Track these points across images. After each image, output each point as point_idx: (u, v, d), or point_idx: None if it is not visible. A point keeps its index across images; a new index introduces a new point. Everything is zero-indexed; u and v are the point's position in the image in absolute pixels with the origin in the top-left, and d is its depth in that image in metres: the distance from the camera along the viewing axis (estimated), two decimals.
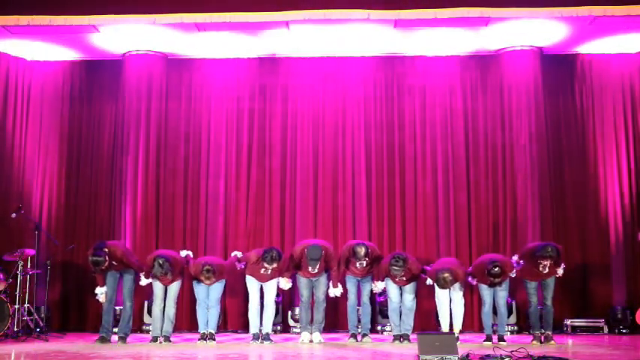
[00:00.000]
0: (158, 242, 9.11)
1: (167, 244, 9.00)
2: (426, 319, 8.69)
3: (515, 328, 8.66)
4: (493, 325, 7.79)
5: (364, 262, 7.76)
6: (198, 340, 7.74)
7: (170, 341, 7.69)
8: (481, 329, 8.14)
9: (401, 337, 7.71)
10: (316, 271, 7.70)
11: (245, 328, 8.39)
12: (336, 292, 7.84)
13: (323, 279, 7.86)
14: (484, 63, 9.54)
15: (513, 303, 8.64)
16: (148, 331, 8.46)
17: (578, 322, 8.77)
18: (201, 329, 7.81)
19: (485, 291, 7.71)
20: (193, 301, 8.15)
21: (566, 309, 8.89)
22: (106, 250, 7.51)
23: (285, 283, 7.84)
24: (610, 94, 9.37)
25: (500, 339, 7.58)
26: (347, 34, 8.76)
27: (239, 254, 8.00)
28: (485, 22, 8.30)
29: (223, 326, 8.97)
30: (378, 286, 7.81)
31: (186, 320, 8.98)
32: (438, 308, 7.82)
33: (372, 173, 9.36)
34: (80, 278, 9.12)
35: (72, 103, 9.70)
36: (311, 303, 7.95)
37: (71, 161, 9.58)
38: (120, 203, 9.19)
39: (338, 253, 7.94)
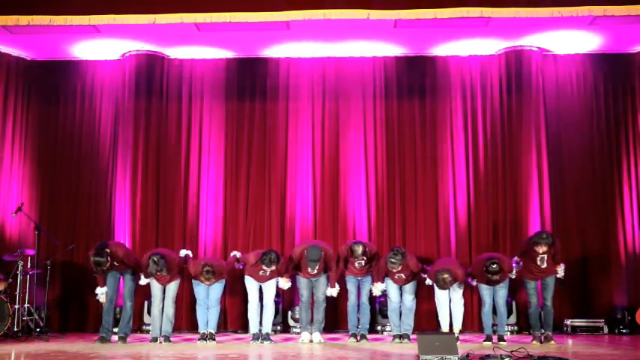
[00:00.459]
0: (158, 242, 9.10)
1: (167, 244, 9.00)
2: (426, 319, 8.69)
3: (515, 328, 8.66)
4: (493, 325, 7.80)
5: (362, 262, 7.76)
6: (198, 340, 7.75)
7: (170, 341, 7.69)
8: (481, 329, 8.14)
9: (401, 337, 7.71)
10: (315, 272, 7.70)
11: (245, 328, 8.39)
12: (332, 292, 7.85)
13: (323, 279, 7.87)
14: (484, 63, 9.53)
15: (513, 303, 8.65)
16: (148, 331, 8.46)
17: (578, 322, 8.77)
18: (201, 329, 7.82)
19: (485, 291, 7.72)
20: (193, 301, 8.16)
21: (566, 309, 8.90)
22: (108, 250, 7.52)
23: (285, 283, 7.86)
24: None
25: (500, 339, 7.58)
26: (349, 34, 8.78)
27: (238, 254, 8.01)
28: (485, 22, 8.31)
29: (223, 326, 8.97)
30: (378, 287, 7.80)
31: (186, 320, 8.98)
32: (437, 308, 7.82)
33: (372, 173, 9.36)
34: (80, 278, 9.12)
35: (71, 102, 9.70)
36: (311, 303, 7.95)
37: (71, 161, 9.57)
38: (119, 203, 9.19)
39: (337, 254, 7.95)
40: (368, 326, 7.97)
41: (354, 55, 9.56)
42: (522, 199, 8.90)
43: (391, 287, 7.82)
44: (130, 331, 7.90)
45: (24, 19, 7.84)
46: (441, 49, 9.42)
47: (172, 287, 7.78)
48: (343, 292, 8.04)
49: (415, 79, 9.55)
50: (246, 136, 9.54)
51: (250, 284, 7.83)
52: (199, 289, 7.84)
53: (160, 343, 7.64)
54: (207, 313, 7.83)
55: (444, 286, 7.48)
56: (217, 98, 9.63)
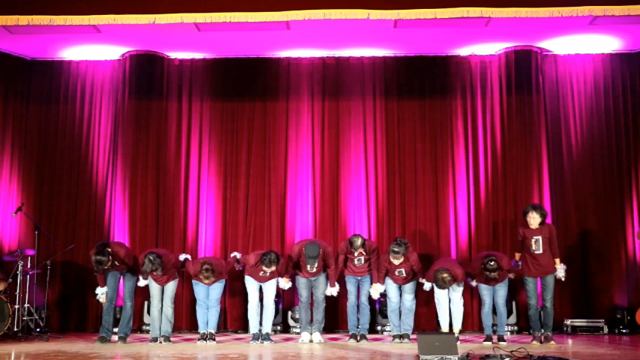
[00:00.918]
0: (158, 242, 9.10)
1: (167, 244, 9.01)
2: (425, 319, 8.69)
3: (516, 328, 8.67)
4: (493, 325, 7.80)
5: (362, 258, 7.75)
6: (198, 340, 7.75)
7: (170, 341, 7.69)
8: (481, 329, 8.15)
9: (401, 337, 7.71)
10: (314, 270, 7.70)
11: (245, 328, 8.40)
12: (332, 291, 7.86)
13: (322, 279, 7.87)
14: (484, 63, 9.53)
15: (513, 303, 8.65)
16: (148, 331, 8.46)
17: (578, 322, 8.77)
18: (201, 329, 7.82)
19: (485, 291, 7.72)
20: (193, 301, 8.16)
21: (566, 309, 8.90)
22: (109, 250, 7.52)
23: (285, 283, 7.86)
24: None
25: (500, 339, 7.58)
26: (349, 33, 8.79)
27: (238, 255, 8.01)
28: (485, 22, 8.31)
29: (223, 326, 8.98)
30: (377, 289, 7.78)
31: (186, 320, 8.99)
32: (437, 308, 7.82)
33: (372, 173, 9.36)
34: (80, 278, 9.13)
35: (71, 102, 9.70)
36: (310, 303, 7.95)
37: (71, 161, 9.57)
38: (119, 203, 9.19)
39: (336, 252, 7.95)
40: (368, 326, 7.97)
41: (354, 54, 9.57)
42: (522, 200, 8.89)
43: (391, 287, 7.82)
44: (130, 331, 7.90)
45: (24, 19, 7.84)
46: (441, 49, 9.42)
47: (170, 287, 7.78)
48: (343, 292, 8.04)
49: (415, 79, 9.56)
50: (246, 136, 9.54)
51: (250, 284, 7.83)
52: (199, 289, 7.84)
53: (160, 343, 7.64)
54: (207, 313, 7.82)
55: (443, 285, 7.48)
56: (217, 98, 9.63)
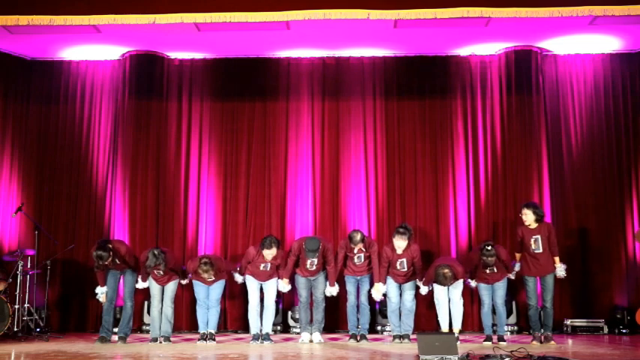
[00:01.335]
0: (158, 242, 9.09)
1: (167, 244, 9.00)
2: (425, 319, 8.69)
3: (516, 328, 8.67)
4: (493, 325, 7.80)
5: (362, 256, 7.74)
6: (198, 340, 7.75)
7: (170, 341, 7.69)
8: (481, 329, 8.15)
9: (401, 337, 7.71)
10: (314, 268, 7.70)
11: (245, 328, 8.40)
12: (332, 290, 7.85)
13: (321, 278, 7.87)
14: (484, 63, 9.53)
15: (513, 303, 8.66)
16: (148, 331, 8.46)
17: (578, 322, 8.77)
18: (201, 329, 7.82)
19: (484, 291, 7.72)
20: (193, 301, 8.16)
21: (566, 309, 8.90)
22: (110, 246, 7.54)
23: (284, 286, 7.85)
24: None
25: (500, 339, 7.58)
26: (349, 33, 8.79)
27: (239, 278, 7.96)
28: (485, 22, 8.31)
29: (223, 326, 8.98)
30: (378, 290, 7.75)
31: (186, 320, 8.99)
32: (437, 309, 7.81)
33: (372, 173, 9.36)
34: (80, 278, 9.13)
35: (71, 102, 9.70)
36: (310, 303, 7.95)
37: (71, 161, 9.57)
38: (119, 203, 9.19)
39: (336, 249, 7.93)
40: (368, 326, 7.96)
41: (354, 54, 9.57)
42: (522, 200, 8.84)
43: (391, 287, 7.81)
44: (130, 331, 7.91)
45: (24, 19, 7.84)
46: (441, 49, 9.42)
47: (171, 287, 7.78)
48: (343, 292, 8.04)
49: (415, 79, 9.56)
50: (246, 136, 9.54)
51: (251, 285, 7.83)
52: (199, 289, 7.85)
53: (160, 343, 7.64)
54: (207, 313, 7.83)
55: (443, 281, 7.47)
56: (217, 98, 9.63)
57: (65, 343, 7.76)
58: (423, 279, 7.77)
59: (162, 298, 7.78)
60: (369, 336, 7.92)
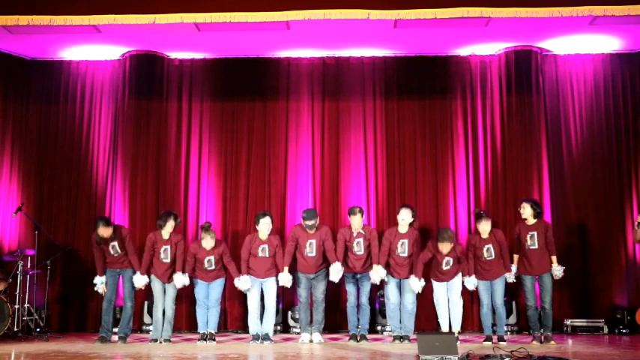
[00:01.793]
0: None
1: None
2: (425, 319, 8.68)
3: (515, 328, 8.67)
4: (493, 326, 7.79)
5: (362, 242, 7.71)
6: (198, 340, 7.75)
7: (170, 341, 7.69)
8: (481, 329, 8.14)
9: (401, 338, 7.70)
10: (314, 253, 7.70)
11: (245, 328, 8.39)
12: (335, 269, 7.65)
13: (322, 278, 7.86)
14: (484, 63, 9.54)
15: (513, 303, 8.66)
16: (148, 331, 8.48)
17: (578, 322, 8.77)
18: (201, 329, 7.82)
19: (483, 292, 7.72)
20: (193, 301, 8.15)
21: (566, 309, 8.90)
22: (113, 224, 7.79)
23: (285, 277, 7.74)
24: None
25: (500, 339, 7.58)
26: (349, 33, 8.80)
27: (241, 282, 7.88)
28: (485, 22, 8.31)
29: (223, 326, 8.98)
30: (378, 271, 7.66)
31: (186, 320, 8.98)
32: (436, 309, 7.81)
33: (372, 173, 9.37)
34: (80, 278, 9.12)
35: (71, 102, 9.70)
36: (310, 304, 7.94)
37: (71, 161, 9.57)
38: (119, 203, 9.19)
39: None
40: (368, 326, 7.95)
41: (354, 54, 9.57)
42: (522, 200, 8.88)
43: (390, 287, 7.78)
44: (130, 331, 7.90)
45: (24, 19, 7.84)
46: (441, 49, 9.43)
47: (171, 290, 7.77)
48: (343, 292, 8.03)
49: (415, 79, 9.56)
50: (246, 136, 9.54)
51: (251, 286, 7.80)
52: (199, 289, 7.85)
53: (160, 343, 7.64)
54: (207, 314, 7.82)
55: (442, 238, 7.54)
56: (217, 98, 9.64)
57: (65, 343, 7.76)
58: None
59: (164, 299, 7.78)
60: (369, 336, 7.91)
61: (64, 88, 9.73)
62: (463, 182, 9.29)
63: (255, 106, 9.62)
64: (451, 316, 7.72)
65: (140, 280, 7.73)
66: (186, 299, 8.83)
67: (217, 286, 7.85)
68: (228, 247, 8.16)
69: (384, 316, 8.55)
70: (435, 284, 7.76)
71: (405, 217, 7.74)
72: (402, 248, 7.72)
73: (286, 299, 8.96)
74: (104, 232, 7.64)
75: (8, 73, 9.45)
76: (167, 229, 7.80)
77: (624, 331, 8.68)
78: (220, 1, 7.83)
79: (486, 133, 9.36)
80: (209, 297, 7.83)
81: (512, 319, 8.64)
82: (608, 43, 9.20)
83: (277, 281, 7.84)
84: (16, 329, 8.05)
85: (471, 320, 8.84)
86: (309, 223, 7.72)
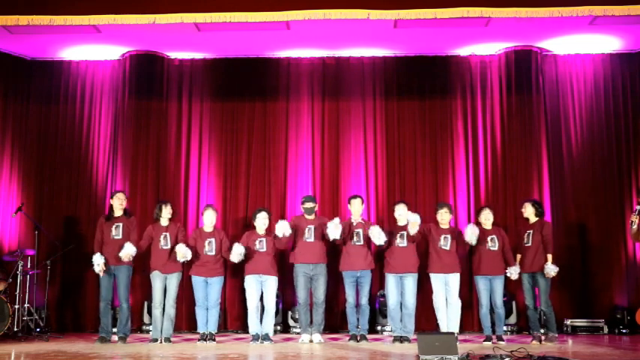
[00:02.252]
0: None
1: None
2: (425, 319, 8.68)
3: (515, 328, 8.67)
4: (492, 325, 7.79)
5: (361, 233, 7.77)
6: (198, 340, 7.75)
7: (170, 341, 7.69)
8: (481, 329, 8.13)
9: (401, 339, 7.69)
10: (313, 239, 7.75)
11: (245, 328, 8.39)
12: (334, 224, 7.59)
13: (321, 277, 7.84)
14: (484, 63, 9.54)
15: (513, 303, 8.66)
16: (148, 331, 8.47)
17: (578, 322, 8.78)
18: (201, 330, 7.82)
19: (483, 292, 7.72)
20: (193, 301, 8.14)
21: (566, 309, 8.90)
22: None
23: (284, 226, 7.66)
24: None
25: (499, 339, 7.58)
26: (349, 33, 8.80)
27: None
28: (485, 22, 8.31)
29: (223, 326, 8.97)
30: (375, 229, 7.66)
31: (186, 320, 8.98)
32: (435, 310, 7.79)
33: (372, 173, 9.37)
34: (80, 278, 9.13)
35: (71, 102, 9.70)
36: (309, 304, 7.94)
37: (71, 161, 9.57)
38: None
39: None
40: (368, 326, 7.95)
41: (354, 54, 9.58)
42: (522, 199, 8.86)
43: (390, 286, 7.77)
44: (130, 331, 7.89)
45: (24, 19, 7.84)
46: (441, 49, 9.43)
47: (172, 286, 7.76)
48: (343, 293, 8.02)
49: (415, 79, 9.56)
50: (246, 136, 9.55)
51: (250, 287, 7.79)
52: (198, 289, 7.84)
53: (160, 343, 7.64)
54: (207, 314, 7.82)
55: (443, 205, 7.86)
56: (217, 98, 9.64)
57: (65, 343, 7.76)
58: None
59: (163, 298, 7.78)
60: (369, 336, 7.91)
61: (64, 88, 9.74)
62: (463, 182, 9.29)
63: (255, 106, 9.62)
64: (449, 318, 7.71)
65: (125, 250, 7.56)
66: (186, 299, 8.83)
67: (216, 284, 7.83)
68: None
69: (384, 316, 8.55)
70: (435, 283, 7.71)
71: (401, 212, 7.83)
72: (402, 239, 7.75)
73: (286, 299, 8.95)
74: (121, 201, 7.81)
75: (8, 73, 9.45)
76: (164, 216, 7.86)
77: (624, 331, 8.68)
78: (220, 1, 7.83)
79: (486, 133, 9.37)
80: (208, 297, 7.82)
81: (512, 319, 8.64)
82: (608, 43, 9.20)
83: (277, 281, 7.84)
84: (16, 329, 8.05)
85: (471, 320, 8.83)
86: (308, 205, 7.85)
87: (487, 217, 7.86)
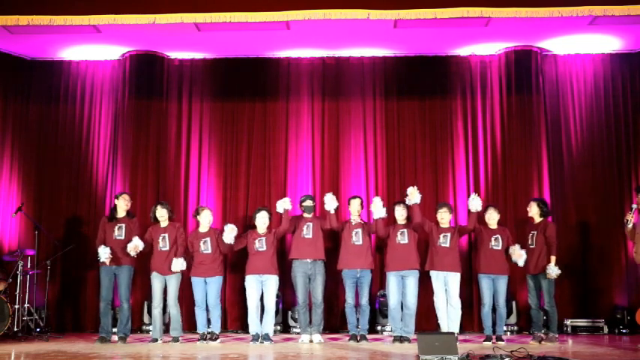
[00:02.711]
0: None
1: None
2: (425, 319, 8.68)
3: (515, 328, 8.67)
4: (493, 325, 7.79)
5: (360, 233, 7.81)
6: (199, 340, 7.75)
7: (179, 340, 7.70)
8: (481, 329, 8.14)
9: (401, 339, 7.69)
10: (311, 235, 7.80)
11: (245, 328, 8.39)
12: (330, 196, 7.83)
13: (319, 278, 7.84)
14: (484, 63, 9.54)
15: (513, 303, 8.66)
16: (148, 331, 8.47)
17: (578, 322, 8.78)
18: (201, 330, 7.82)
19: (486, 291, 7.73)
20: (193, 301, 8.14)
21: (566, 309, 8.89)
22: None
23: (285, 202, 7.78)
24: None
25: (499, 339, 7.58)
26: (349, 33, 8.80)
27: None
28: (485, 22, 8.31)
29: (223, 326, 8.95)
30: (376, 203, 7.72)
31: (186, 320, 8.96)
32: (436, 310, 7.79)
33: (372, 173, 9.37)
34: (80, 278, 9.13)
35: (71, 102, 9.70)
36: (309, 305, 7.94)
37: (71, 161, 9.57)
38: None
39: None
40: (367, 326, 7.94)
41: (354, 54, 9.58)
42: (522, 200, 8.89)
43: (392, 286, 7.77)
44: (130, 331, 7.89)
45: (24, 19, 7.85)
46: (441, 49, 9.43)
47: (173, 286, 7.77)
48: (342, 293, 8.02)
49: (415, 79, 9.56)
50: (246, 136, 9.55)
51: (250, 287, 7.79)
52: (197, 289, 7.84)
53: (171, 342, 7.64)
54: (206, 314, 7.83)
55: (443, 204, 7.89)
56: (217, 98, 9.64)
57: (65, 343, 7.76)
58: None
59: (163, 298, 7.77)
60: (369, 336, 7.91)
61: (64, 88, 9.74)
62: (463, 182, 9.29)
63: (255, 106, 9.62)
64: (449, 318, 7.70)
65: (133, 244, 7.62)
66: (186, 300, 8.81)
67: (214, 283, 7.83)
68: None
69: (384, 316, 8.55)
70: (435, 283, 7.71)
71: (401, 212, 7.87)
72: (402, 236, 7.76)
73: (286, 299, 8.95)
74: (127, 202, 7.89)
75: (8, 73, 9.45)
76: (162, 217, 7.85)
77: (624, 331, 8.68)
78: (220, 1, 7.84)
79: (486, 133, 9.37)
80: (208, 298, 7.82)
81: (513, 319, 8.64)
82: (608, 43, 9.20)
83: (277, 281, 7.84)
84: (16, 329, 8.05)
85: (471, 320, 8.83)
86: (308, 203, 7.92)
87: (492, 217, 7.85)
